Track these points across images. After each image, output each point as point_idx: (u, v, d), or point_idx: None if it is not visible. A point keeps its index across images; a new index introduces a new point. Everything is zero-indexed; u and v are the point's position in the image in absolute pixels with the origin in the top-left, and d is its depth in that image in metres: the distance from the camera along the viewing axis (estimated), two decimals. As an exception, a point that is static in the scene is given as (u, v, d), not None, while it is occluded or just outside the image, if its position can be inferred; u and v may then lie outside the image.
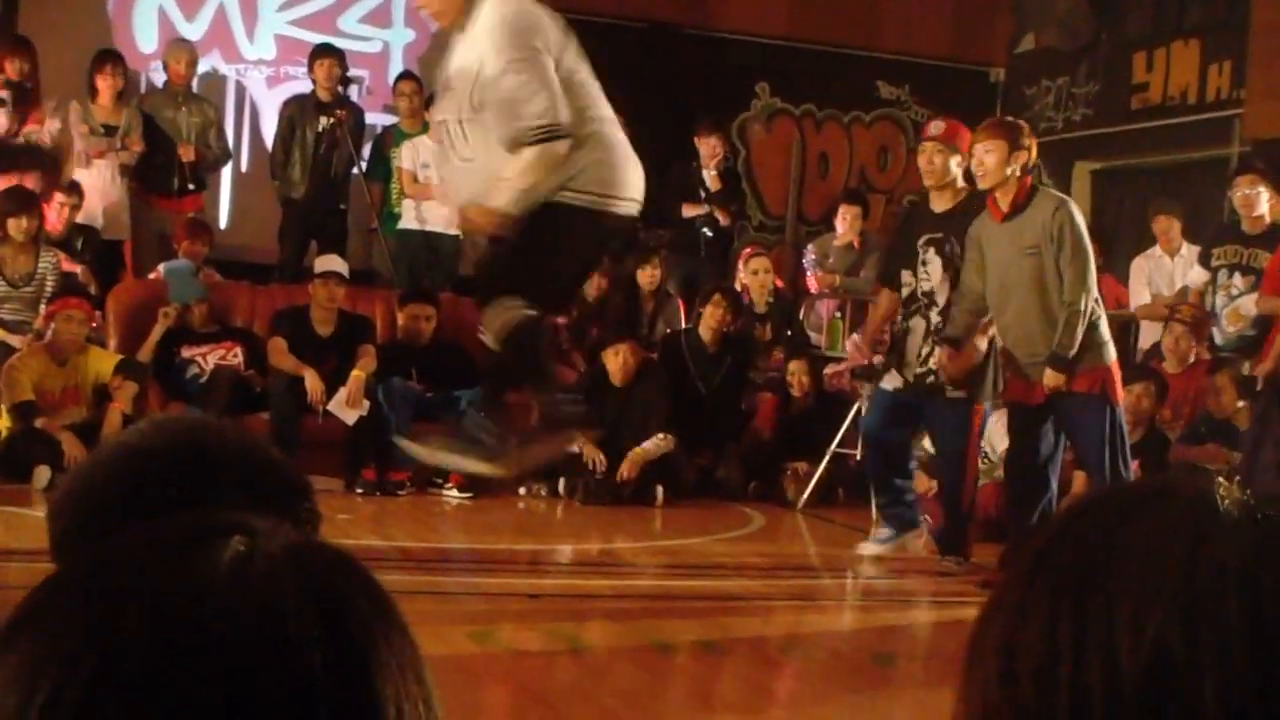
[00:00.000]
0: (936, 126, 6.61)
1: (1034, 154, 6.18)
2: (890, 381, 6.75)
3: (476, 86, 4.68)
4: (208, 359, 8.13)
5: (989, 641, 0.77)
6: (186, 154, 9.27)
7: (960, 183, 6.48)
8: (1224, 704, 0.70)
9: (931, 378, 6.50)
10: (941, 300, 6.51)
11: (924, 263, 6.53)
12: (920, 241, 6.55)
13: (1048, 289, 6.03)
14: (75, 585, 0.72)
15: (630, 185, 4.83)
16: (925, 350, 6.53)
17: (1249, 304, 7.63)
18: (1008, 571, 0.81)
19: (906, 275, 6.63)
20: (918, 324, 6.58)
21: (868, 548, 6.89)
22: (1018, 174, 6.08)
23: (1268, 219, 7.77)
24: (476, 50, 4.72)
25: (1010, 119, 6.97)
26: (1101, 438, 6.07)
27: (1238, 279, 7.80)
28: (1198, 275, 8.03)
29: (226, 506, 1.02)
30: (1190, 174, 10.30)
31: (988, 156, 6.05)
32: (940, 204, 6.53)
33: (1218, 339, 7.95)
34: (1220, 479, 0.81)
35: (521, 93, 4.59)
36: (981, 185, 6.17)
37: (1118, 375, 6.25)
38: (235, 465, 1.22)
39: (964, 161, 6.38)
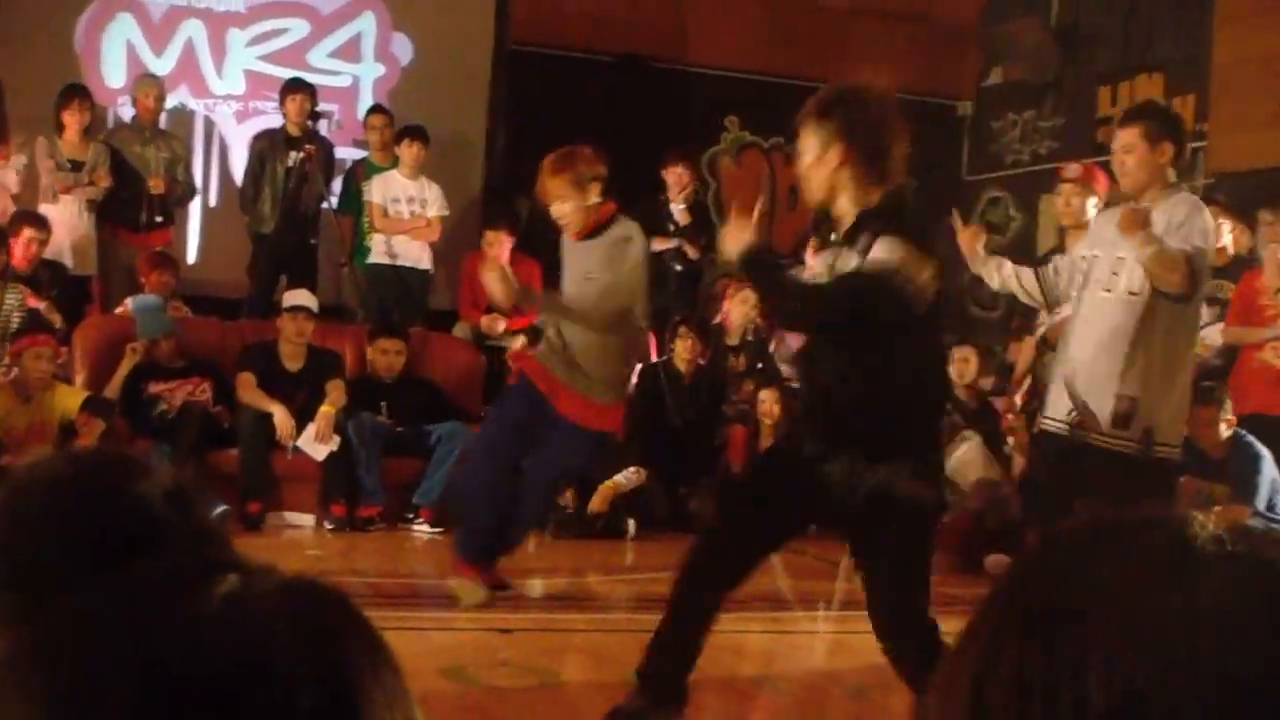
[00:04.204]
0: (1074, 170, 6.86)
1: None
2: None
3: None
4: (175, 395, 8.08)
5: (961, 675, 0.76)
6: (156, 186, 9.24)
7: None
8: None
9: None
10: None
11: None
12: None
13: None
14: (71, 623, 0.71)
15: None
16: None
17: (1215, 334, 7.69)
18: (983, 604, 0.80)
19: (1043, 316, 6.73)
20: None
21: None
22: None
23: (1231, 251, 7.83)
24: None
25: None
26: None
27: (1203, 309, 7.85)
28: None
29: (138, 537, 1.02)
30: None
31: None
32: (1079, 245, 6.66)
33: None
34: (1197, 513, 0.80)
35: None
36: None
37: None
38: (145, 495, 1.21)
39: (1100, 203, 6.58)
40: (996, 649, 0.75)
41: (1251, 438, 6.94)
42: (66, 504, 1.20)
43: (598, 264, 5.88)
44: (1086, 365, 5.09)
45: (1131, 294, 5.02)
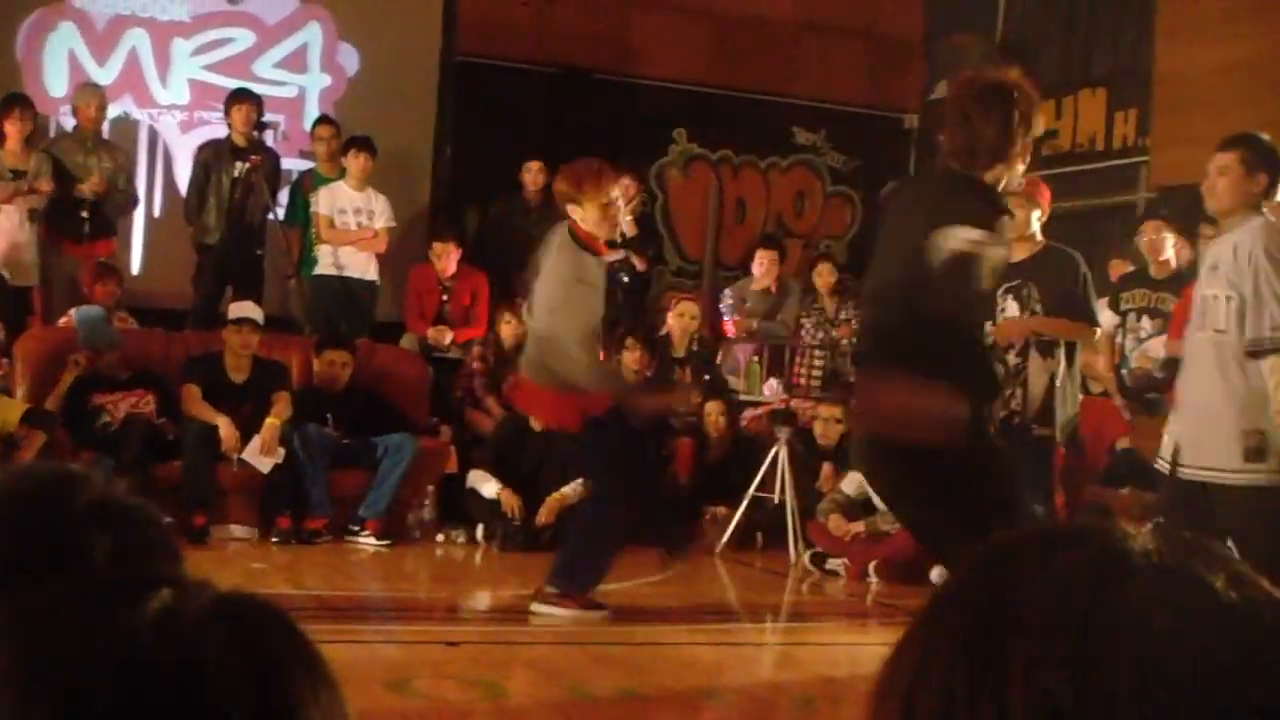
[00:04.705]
0: (1017, 183, 6.89)
1: None
2: None
3: None
4: (119, 407, 8.01)
5: (893, 687, 0.77)
6: (90, 186, 9.09)
7: (1039, 236, 6.78)
8: None
9: (1017, 419, 6.62)
10: (1019, 345, 6.70)
11: (1002, 310, 6.71)
12: (999, 291, 6.74)
13: None
14: None
15: None
16: (1007, 392, 6.66)
17: (1157, 347, 7.76)
18: (918, 615, 0.80)
19: (988, 325, 6.79)
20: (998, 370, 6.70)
21: None
22: None
23: (1173, 264, 7.92)
24: None
25: None
26: None
27: (1146, 322, 7.93)
28: (1107, 319, 8.15)
29: (83, 552, 1.01)
30: (1099, 220, 10.48)
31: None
32: (1019, 254, 6.75)
33: (1127, 381, 8.07)
34: (1131, 526, 0.80)
35: None
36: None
37: None
38: (91, 512, 1.20)
39: (1043, 215, 6.72)
40: (927, 660, 0.75)
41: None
42: None
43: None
44: (1198, 406, 5.18)
45: (1218, 331, 5.11)
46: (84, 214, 9.15)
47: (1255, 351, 4.98)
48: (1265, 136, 5.81)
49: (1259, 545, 5.11)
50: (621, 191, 9.79)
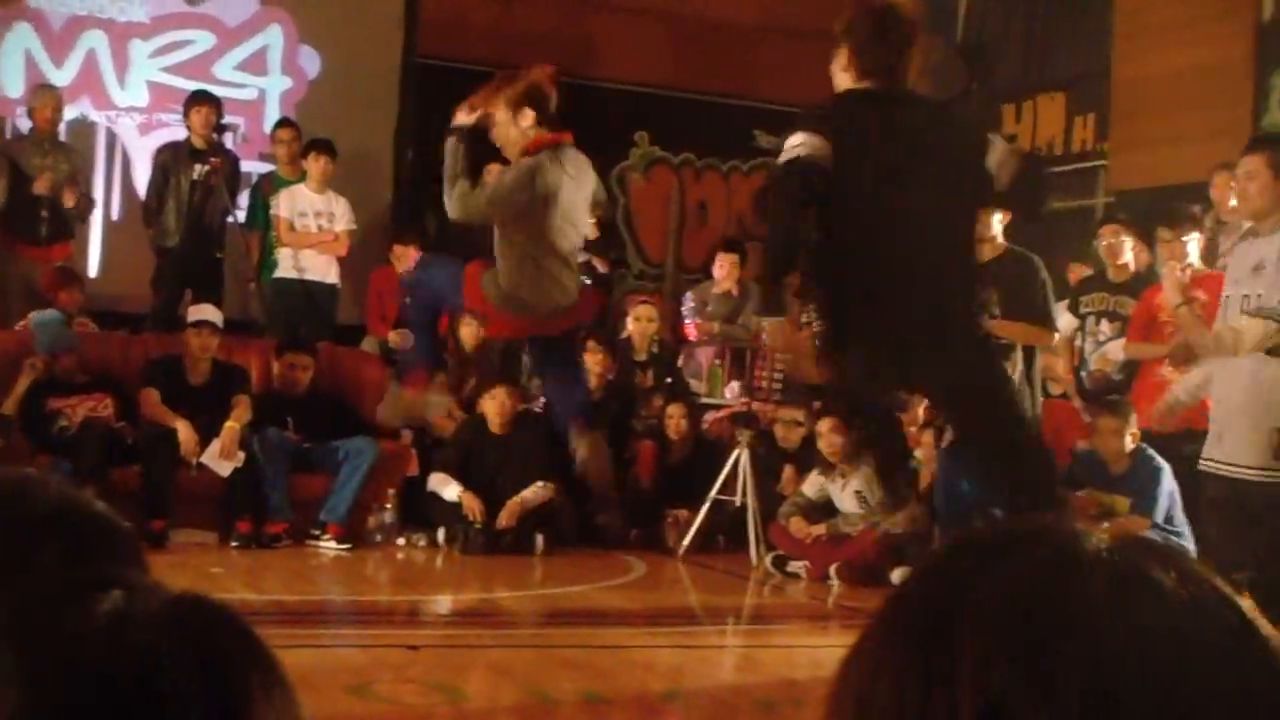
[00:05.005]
0: None
1: None
2: None
3: None
4: (77, 411, 7.94)
5: (847, 689, 0.77)
6: (40, 185, 9.01)
7: (1000, 240, 6.89)
8: None
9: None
10: None
11: None
12: None
13: None
14: None
15: None
16: None
17: (1116, 350, 7.81)
18: (874, 616, 0.80)
19: None
20: None
21: None
22: None
23: (1132, 267, 7.97)
24: None
25: None
26: None
27: (1105, 325, 7.98)
28: (1067, 322, 8.21)
29: (40, 557, 1.00)
30: (1058, 223, 10.54)
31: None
32: (979, 258, 6.81)
33: (1086, 383, 8.12)
34: (1084, 526, 0.80)
35: None
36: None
37: None
38: (53, 517, 1.19)
39: (1005, 219, 6.82)
40: (882, 657, 0.75)
41: (1153, 451, 7.06)
42: None
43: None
44: (1232, 406, 5.24)
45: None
46: (43, 214, 9.08)
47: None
48: None
49: None
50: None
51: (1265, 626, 0.75)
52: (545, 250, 6.06)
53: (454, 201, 6.08)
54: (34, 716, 0.65)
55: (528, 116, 6.04)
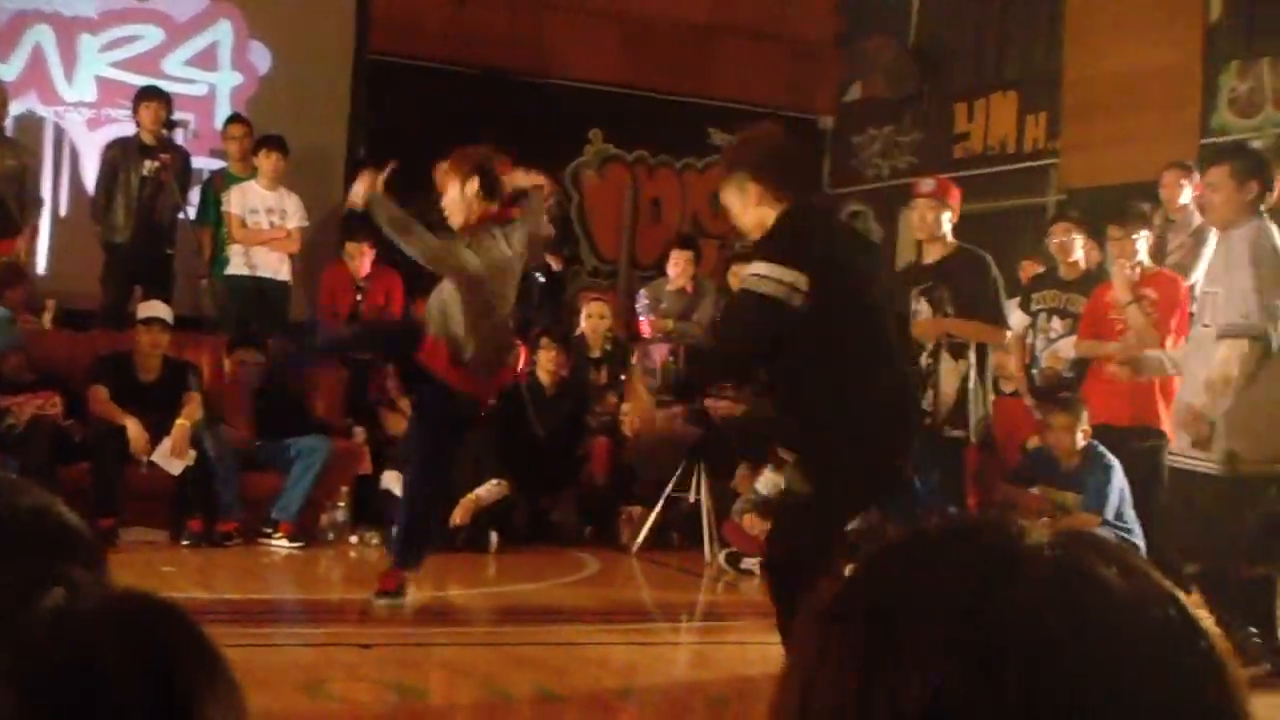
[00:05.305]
0: (928, 185, 7.07)
1: None
2: None
3: None
4: (24, 409, 7.86)
5: (791, 686, 0.77)
6: None
7: (950, 238, 6.89)
8: None
9: (929, 420, 6.67)
10: (929, 346, 6.82)
11: (915, 312, 6.82)
12: (913, 293, 6.82)
13: None
14: None
15: None
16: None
17: (1067, 347, 7.87)
18: (817, 609, 0.80)
19: None
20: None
21: None
22: None
23: (1083, 265, 8.03)
24: None
25: None
26: None
27: (1056, 323, 8.03)
28: (1018, 319, 8.27)
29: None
30: (1010, 221, 10.61)
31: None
32: (930, 256, 6.84)
33: (1037, 380, 8.18)
34: (1025, 522, 0.80)
35: None
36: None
37: None
38: (7, 515, 1.18)
39: (954, 217, 6.87)
40: (823, 652, 0.75)
41: (1104, 448, 7.12)
42: None
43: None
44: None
45: (1205, 326, 5.44)
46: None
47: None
48: (1253, 144, 6.11)
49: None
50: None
51: (1206, 621, 0.76)
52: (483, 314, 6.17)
53: (417, 247, 6.09)
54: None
55: (473, 185, 6.04)
